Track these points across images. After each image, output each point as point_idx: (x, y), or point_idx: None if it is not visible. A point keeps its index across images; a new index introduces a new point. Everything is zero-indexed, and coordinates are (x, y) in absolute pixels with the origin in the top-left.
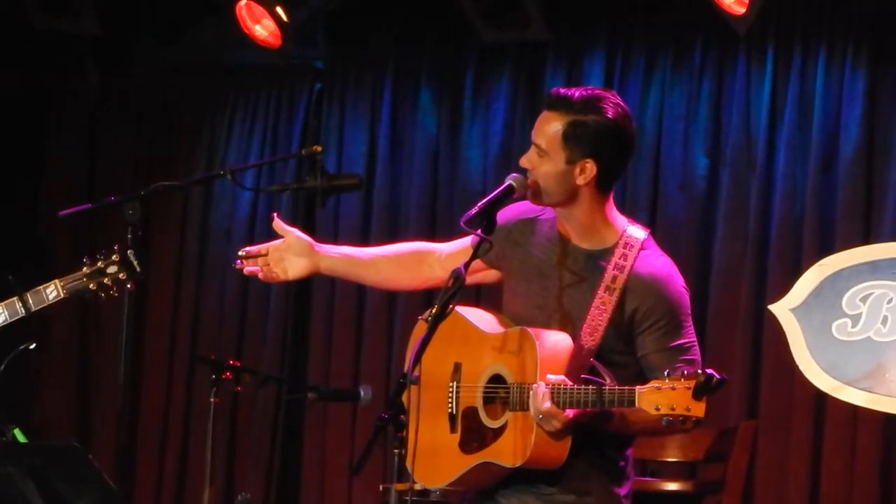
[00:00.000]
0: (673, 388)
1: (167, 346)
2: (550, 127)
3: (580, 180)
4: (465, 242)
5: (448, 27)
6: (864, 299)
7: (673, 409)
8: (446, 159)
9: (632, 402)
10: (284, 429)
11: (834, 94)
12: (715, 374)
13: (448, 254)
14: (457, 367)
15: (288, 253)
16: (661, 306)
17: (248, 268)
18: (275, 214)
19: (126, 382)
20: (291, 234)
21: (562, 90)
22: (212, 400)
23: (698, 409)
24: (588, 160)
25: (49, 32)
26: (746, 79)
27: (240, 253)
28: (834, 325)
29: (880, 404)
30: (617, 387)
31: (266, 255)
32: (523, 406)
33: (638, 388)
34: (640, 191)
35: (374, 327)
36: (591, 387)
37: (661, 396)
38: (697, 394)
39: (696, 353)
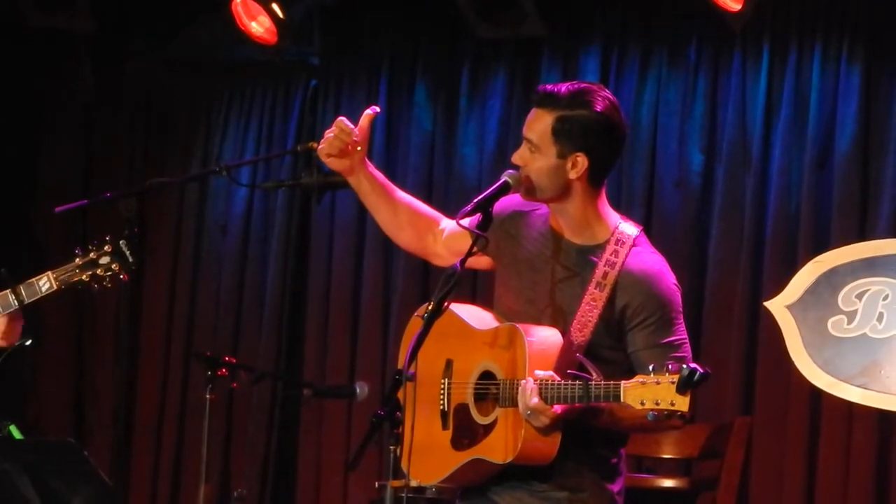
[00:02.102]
0: (657, 383)
1: (163, 342)
2: (540, 123)
3: (572, 174)
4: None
5: (444, 23)
6: (859, 296)
7: (657, 404)
8: (442, 156)
9: (617, 397)
10: (280, 425)
11: (829, 91)
12: (698, 368)
13: (449, 234)
14: (448, 364)
15: (341, 145)
16: (652, 303)
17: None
18: (376, 109)
19: (122, 379)
20: (366, 138)
21: (549, 86)
22: (207, 396)
23: (682, 404)
24: (579, 154)
25: (44, 29)
26: (742, 75)
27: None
28: (830, 321)
29: (875, 401)
30: (603, 382)
31: (345, 133)
32: (513, 402)
33: (623, 382)
34: (635, 187)
35: (369, 324)
36: (577, 382)
37: (646, 391)
38: (681, 388)
39: (686, 350)
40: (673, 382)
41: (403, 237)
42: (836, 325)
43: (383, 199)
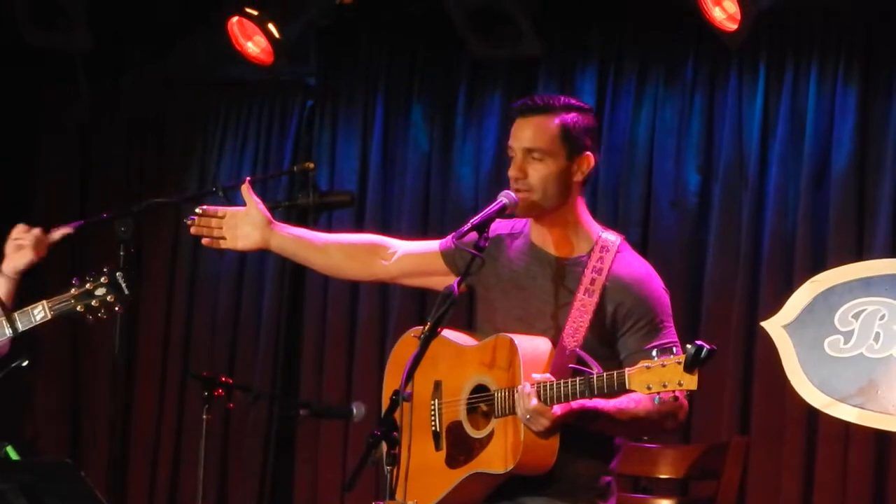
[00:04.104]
0: (663, 366)
1: (159, 362)
2: (544, 128)
3: (578, 176)
4: (425, 245)
5: (440, 43)
6: (856, 316)
7: (665, 386)
8: (438, 176)
9: (622, 385)
10: (276, 445)
11: (826, 110)
12: (705, 344)
13: (405, 253)
14: (437, 386)
15: (244, 222)
16: (641, 306)
17: (197, 228)
18: (248, 179)
19: (118, 399)
20: (254, 205)
21: (536, 97)
22: (204, 416)
23: (691, 382)
24: (586, 153)
25: (41, 47)
26: (738, 94)
27: (197, 210)
28: (826, 341)
29: (872, 421)
30: (605, 373)
31: (222, 217)
32: (510, 410)
33: (627, 369)
34: (631, 207)
35: (366, 344)
36: (578, 378)
37: (652, 375)
38: (689, 366)
39: (678, 353)
40: (679, 363)
41: (347, 273)
42: (832, 345)
43: (310, 250)
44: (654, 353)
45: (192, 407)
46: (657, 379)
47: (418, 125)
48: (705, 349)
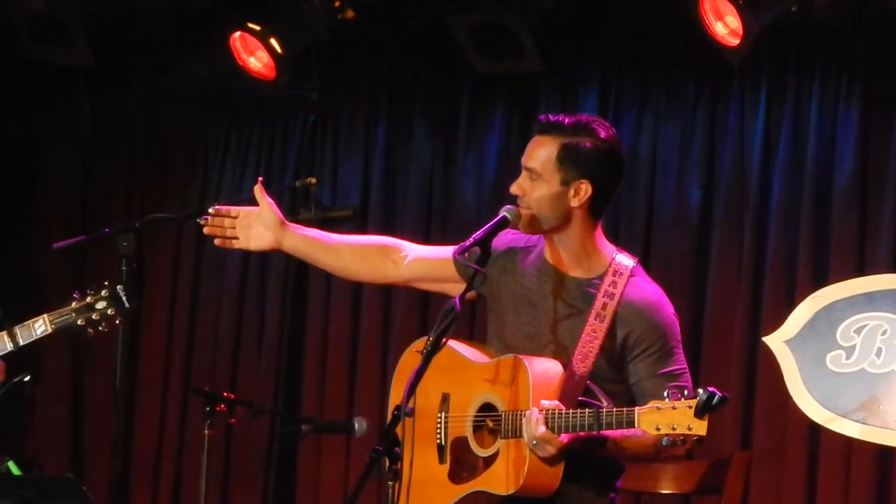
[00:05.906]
0: (673, 408)
1: (161, 377)
2: (544, 149)
3: (574, 202)
4: (438, 251)
5: (442, 59)
6: (858, 331)
7: (674, 429)
8: (440, 191)
9: (631, 423)
10: (278, 461)
11: (828, 126)
12: (716, 391)
13: (417, 257)
14: (444, 398)
15: (257, 222)
16: (653, 333)
17: (210, 228)
18: (260, 179)
19: (120, 414)
20: (267, 205)
21: (552, 115)
22: (206, 432)
23: (700, 428)
24: (583, 181)
25: (41, 63)
26: (740, 110)
27: (210, 210)
28: (828, 356)
29: (874, 436)
30: (615, 409)
31: (235, 217)
32: (516, 433)
33: (637, 408)
34: (634, 222)
35: (367, 359)
36: (587, 409)
37: (662, 416)
38: (700, 412)
39: (687, 380)
40: (690, 407)
41: (358, 274)
42: (834, 361)
43: (321, 251)
44: (665, 392)
45: (194, 422)
46: (666, 421)
47: (420, 140)
48: (717, 396)
